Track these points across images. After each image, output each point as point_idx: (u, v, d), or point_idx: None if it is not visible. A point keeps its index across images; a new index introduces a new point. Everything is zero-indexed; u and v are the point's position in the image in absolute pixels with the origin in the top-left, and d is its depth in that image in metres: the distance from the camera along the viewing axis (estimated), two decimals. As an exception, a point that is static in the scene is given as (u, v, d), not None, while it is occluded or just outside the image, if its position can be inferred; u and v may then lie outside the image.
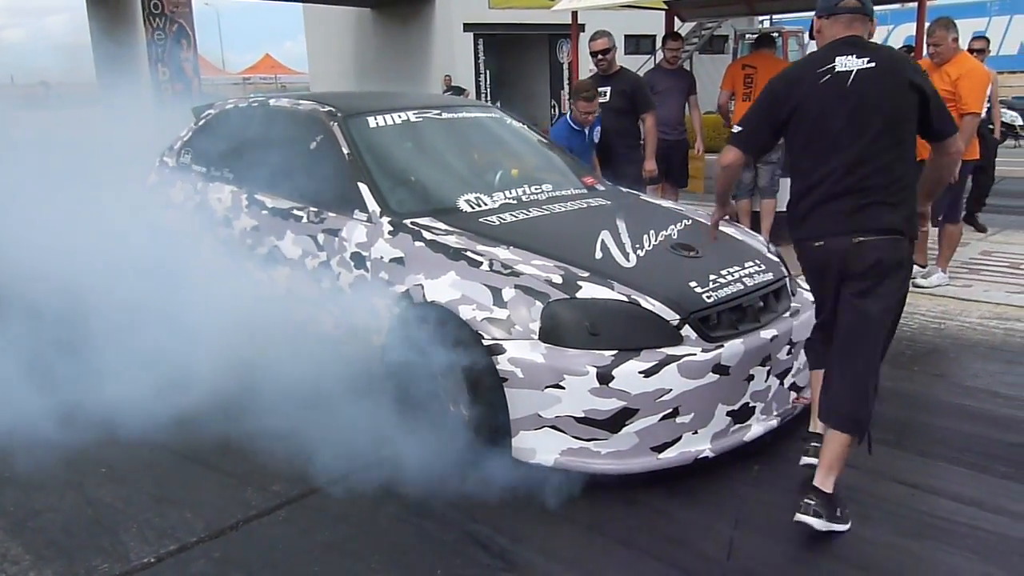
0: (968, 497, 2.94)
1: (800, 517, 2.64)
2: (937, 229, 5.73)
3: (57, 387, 3.75)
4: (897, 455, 3.30)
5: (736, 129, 3.04)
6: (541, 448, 2.96)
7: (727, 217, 3.57)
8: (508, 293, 3.03)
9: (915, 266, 5.82)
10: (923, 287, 5.63)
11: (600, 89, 5.99)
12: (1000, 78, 9.89)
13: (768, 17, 20.95)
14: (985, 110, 6.79)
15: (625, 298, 3.02)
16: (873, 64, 2.72)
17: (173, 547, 2.73)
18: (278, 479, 3.16)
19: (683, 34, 8.01)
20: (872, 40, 2.86)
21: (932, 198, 3.05)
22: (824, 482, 2.69)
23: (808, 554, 2.62)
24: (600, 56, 5.99)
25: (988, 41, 7.28)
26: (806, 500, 2.66)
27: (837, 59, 2.76)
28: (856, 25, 2.84)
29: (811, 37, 3.14)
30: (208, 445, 3.52)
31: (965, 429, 3.52)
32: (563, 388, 2.87)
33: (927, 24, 5.65)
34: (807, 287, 3.82)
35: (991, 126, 7.05)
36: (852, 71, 2.73)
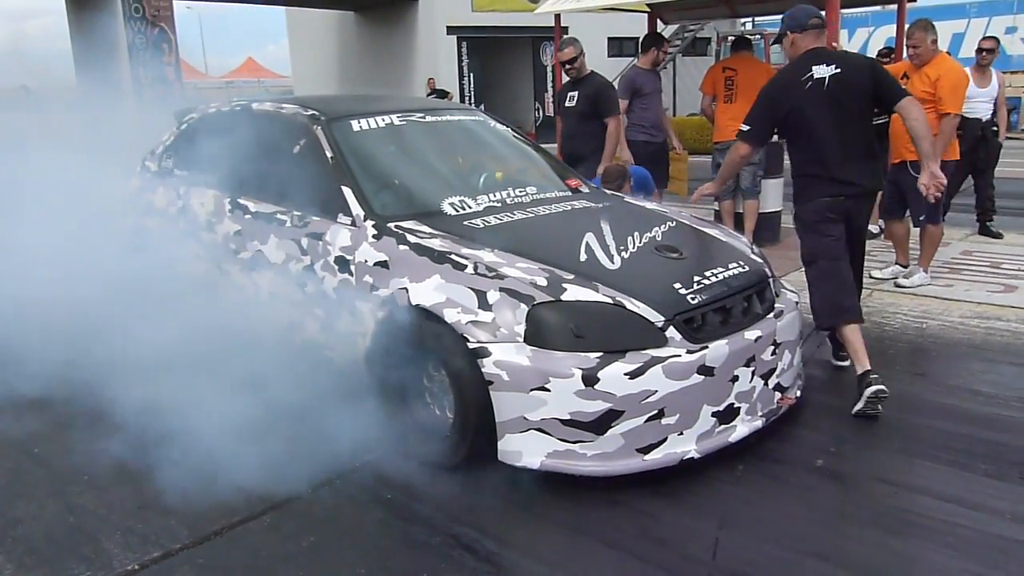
0: (949, 495, 2.96)
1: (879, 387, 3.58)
2: (919, 230, 5.77)
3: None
4: (880, 454, 3.33)
5: (744, 128, 3.91)
6: (527, 451, 2.96)
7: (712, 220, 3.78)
8: (493, 296, 3.03)
9: (897, 266, 5.89)
10: (905, 287, 5.67)
11: (569, 94, 6.20)
12: (979, 79, 9.97)
13: (750, 19, 21.10)
14: (990, 112, 6.84)
15: (610, 300, 3.02)
16: (840, 70, 3.72)
17: (157, 554, 2.71)
18: (262, 484, 3.14)
19: (666, 36, 8.06)
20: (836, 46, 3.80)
21: (932, 156, 3.78)
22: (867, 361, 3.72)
23: (791, 553, 2.63)
24: (568, 65, 6.13)
25: (997, 41, 7.22)
26: (873, 376, 3.61)
27: (813, 68, 3.73)
28: (820, 37, 3.86)
29: (776, 41, 4.12)
30: (191, 450, 3.50)
31: (946, 428, 3.54)
32: (548, 391, 2.87)
33: (907, 26, 5.70)
34: (791, 288, 3.87)
35: (995, 128, 7.03)
36: (826, 77, 3.71)
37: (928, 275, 5.77)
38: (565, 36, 6.37)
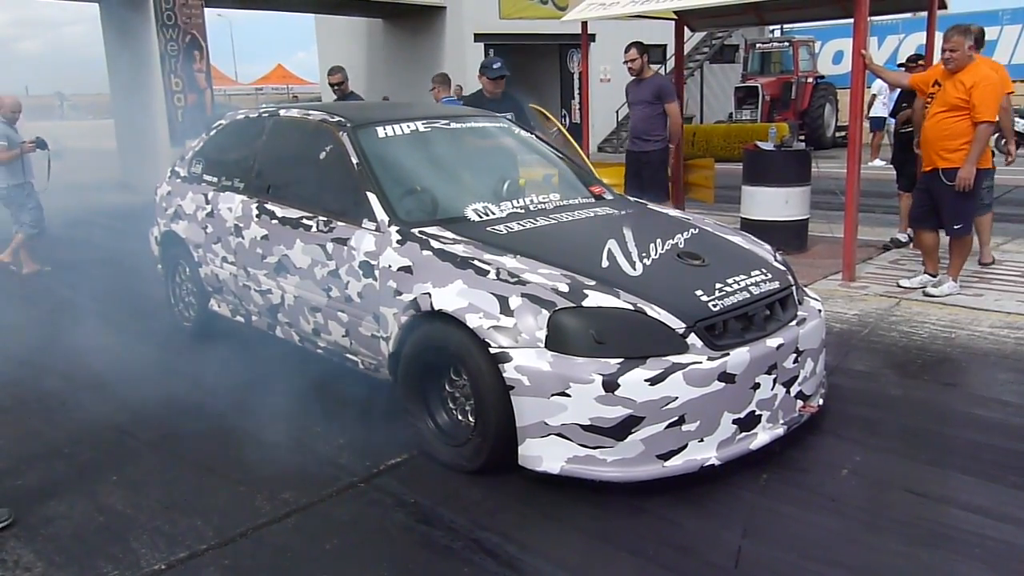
0: (978, 506, 2.92)
1: None
2: (949, 238, 5.69)
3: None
4: (907, 464, 3.28)
5: None
6: (547, 455, 2.97)
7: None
8: (515, 301, 3.04)
9: (926, 275, 5.81)
10: (934, 296, 5.60)
11: None
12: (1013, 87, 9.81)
13: (778, 27, 20.96)
14: None
15: (631, 306, 3.02)
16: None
17: (183, 554, 2.75)
18: (287, 487, 3.18)
19: (690, 42, 7.99)
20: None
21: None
22: None
23: (816, 564, 2.61)
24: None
25: None
26: None
27: None
28: None
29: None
30: (217, 452, 3.55)
31: (975, 438, 3.49)
32: (569, 396, 2.87)
33: (938, 33, 5.63)
34: (814, 296, 3.84)
35: None
36: None
37: (957, 284, 5.69)
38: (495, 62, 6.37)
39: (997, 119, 5.38)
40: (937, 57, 5.55)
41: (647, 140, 6.90)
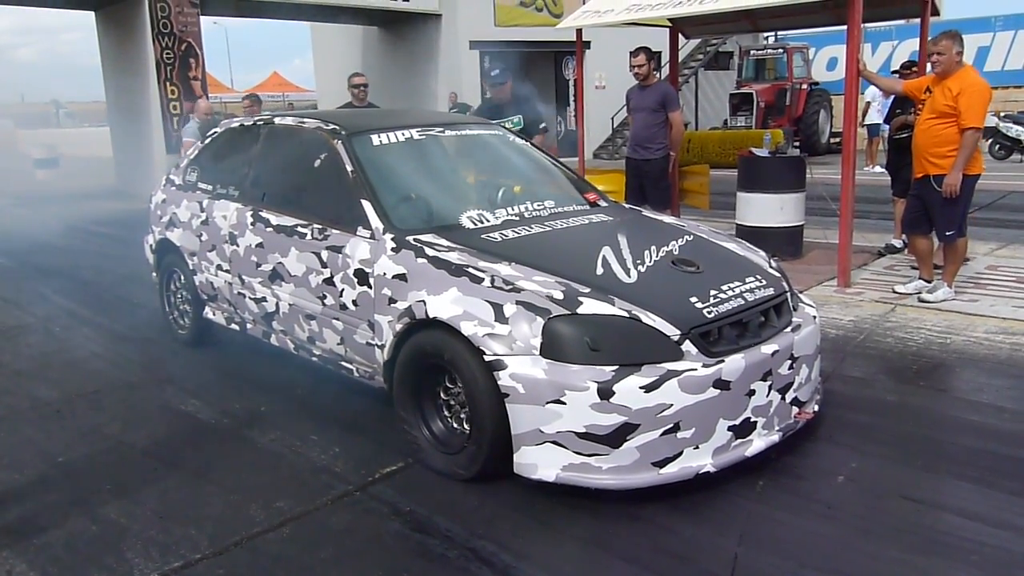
0: (974, 512, 2.92)
1: None
2: (943, 244, 5.71)
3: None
4: (903, 470, 3.28)
5: None
6: (543, 463, 2.96)
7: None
8: (509, 309, 3.03)
9: (921, 281, 5.83)
10: (929, 302, 5.61)
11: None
12: (1005, 93, 9.88)
13: (773, 34, 21.06)
14: None
15: (626, 313, 3.02)
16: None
17: (177, 564, 2.73)
18: (282, 496, 3.17)
19: (685, 49, 7.98)
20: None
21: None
22: None
23: (812, 571, 2.60)
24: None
25: None
26: None
27: None
28: None
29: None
30: (211, 461, 3.53)
31: (971, 444, 3.50)
32: (564, 404, 2.87)
33: (931, 39, 5.65)
34: (809, 302, 3.85)
35: None
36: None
37: (952, 290, 5.70)
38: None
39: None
40: (929, 58, 5.56)
41: (648, 148, 6.87)
